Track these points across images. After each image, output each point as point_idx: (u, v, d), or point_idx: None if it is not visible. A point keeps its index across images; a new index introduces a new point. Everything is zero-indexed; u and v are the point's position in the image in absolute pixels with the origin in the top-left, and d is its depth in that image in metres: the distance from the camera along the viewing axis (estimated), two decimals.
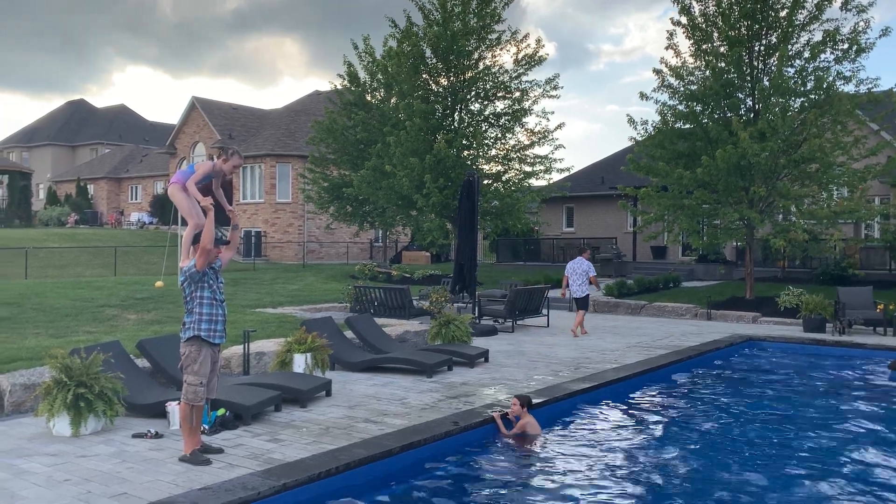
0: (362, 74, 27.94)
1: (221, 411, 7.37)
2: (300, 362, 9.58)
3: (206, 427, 7.12)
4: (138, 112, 79.01)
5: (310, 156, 30.30)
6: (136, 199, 54.80)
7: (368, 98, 28.03)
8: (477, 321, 15.63)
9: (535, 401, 8.19)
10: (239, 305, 16.39)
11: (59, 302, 15.35)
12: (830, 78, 18.15)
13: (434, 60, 23.75)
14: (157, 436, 7.00)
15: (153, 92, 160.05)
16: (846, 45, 18.07)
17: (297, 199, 36.30)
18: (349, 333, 11.77)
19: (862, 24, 17.90)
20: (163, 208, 43.55)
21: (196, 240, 6.42)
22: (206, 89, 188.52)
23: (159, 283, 19.82)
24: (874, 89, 18.24)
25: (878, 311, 15.66)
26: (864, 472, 6.86)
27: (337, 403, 8.50)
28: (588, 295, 15.51)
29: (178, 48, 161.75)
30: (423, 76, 23.89)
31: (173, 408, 7.33)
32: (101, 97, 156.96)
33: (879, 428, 8.48)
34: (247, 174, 38.09)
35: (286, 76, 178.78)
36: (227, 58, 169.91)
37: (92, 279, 22.62)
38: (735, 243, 24.49)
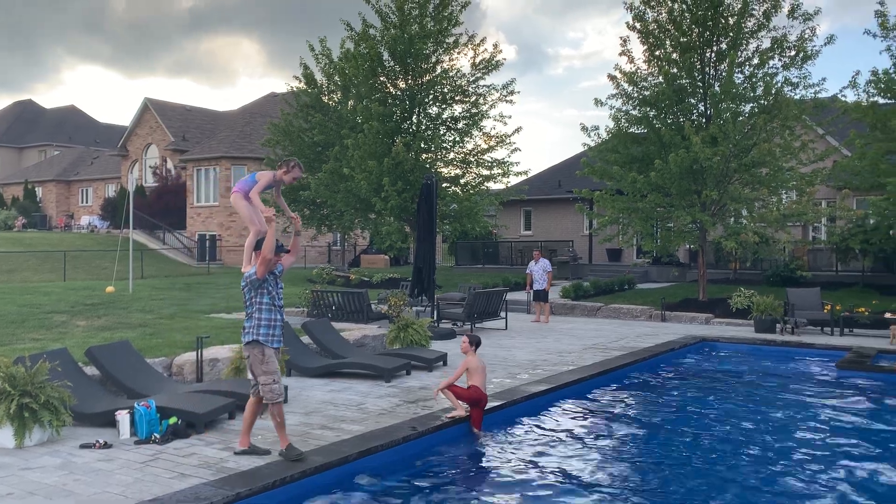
0: (319, 76, 27.76)
1: (173, 419, 7.22)
2: None
3: (158, 436, 6.97)
4: (89, 113, 77.08)
5: (265, 158, 29.95)
6: (86, 203, 53.44)
7: (325, 100, 27.83)
8: (436, 325, 15.63)
9: (492, 404, 8.21)
10: (193, 311, 16.09)
11: (5, 308, 14.86)
12: (778, 84, 18.65)
13: (391, 63, 23.67)
14: (106, 446, 6.81)
15: (105, 92, 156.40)
16: (793, 52, 18.59)
17: None
18: (306, 338, 11.64)
19: (808, 31, 18.45)
20: (114, 212, 42.48)
21: (257, 246, 6.56)
22: (161, 90, 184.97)
23: (110, 289, 19.36)
24: (820, 93, 18.78)
25: (825, 311, 16.13)
26: (813, 464, 7.04)
27: (293, 410, 8.38)
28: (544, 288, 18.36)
29: (132, 47, 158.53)
30: (381, 79, 23.79)
31: (123, 416, 7.15)
32: (49, 97, 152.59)
33: (828, 423, 8.72)
34: (201, 176, 37.48)
35: (243, 76, 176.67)
36: (182, 58, 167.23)
37: (40, 284, 21.97)
38: (688, 246, 24.93)
